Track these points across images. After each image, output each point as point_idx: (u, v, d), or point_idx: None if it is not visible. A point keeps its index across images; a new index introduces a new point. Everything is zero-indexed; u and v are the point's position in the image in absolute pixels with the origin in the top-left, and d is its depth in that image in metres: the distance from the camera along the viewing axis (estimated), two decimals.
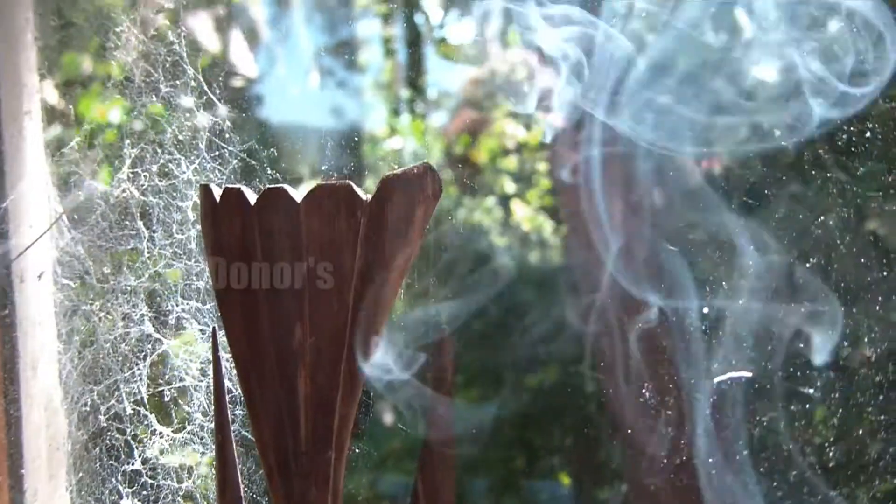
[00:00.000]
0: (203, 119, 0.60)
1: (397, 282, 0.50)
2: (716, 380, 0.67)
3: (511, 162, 1.95)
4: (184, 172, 0.61)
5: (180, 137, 0.61)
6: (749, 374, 0.68)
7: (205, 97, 0.61)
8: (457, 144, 1.88)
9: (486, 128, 1.93)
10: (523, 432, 1.53)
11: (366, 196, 0.47)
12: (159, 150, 0.61)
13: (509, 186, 1.93)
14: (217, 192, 0.48)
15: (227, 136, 0.60)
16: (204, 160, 0.61)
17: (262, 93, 1.13)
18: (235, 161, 0.61)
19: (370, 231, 0.49)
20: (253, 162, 0.60)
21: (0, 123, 0.62)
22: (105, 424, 0.63)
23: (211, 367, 0.62)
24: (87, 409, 0.64)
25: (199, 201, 0.49)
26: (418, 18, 2.50)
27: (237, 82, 0.78)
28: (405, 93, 2.36)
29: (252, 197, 0.48)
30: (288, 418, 0.49)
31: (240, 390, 0.62)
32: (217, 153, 0.61)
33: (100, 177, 0.62)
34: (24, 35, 0.65)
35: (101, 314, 0.63)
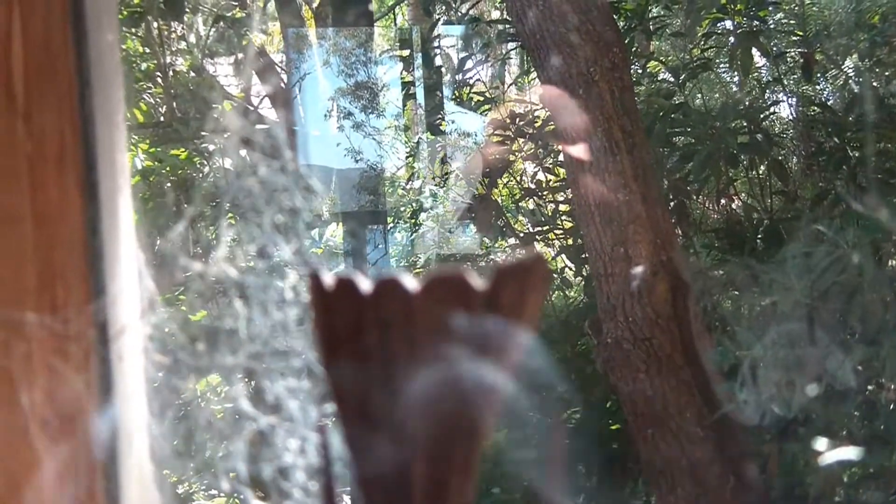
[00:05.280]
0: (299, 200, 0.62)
1: (511, 370, 0.52)
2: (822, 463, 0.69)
3: (530, 202, 1.98)
4: (282, 253, 0.62)
5: (278, 219, 0.62)
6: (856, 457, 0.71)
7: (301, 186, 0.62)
8: (476, 185, 1.91)
9: (505, 168, 1.95)
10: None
11: (480, 286, 0.48)
12: (257, 232, 0.62)
13: (529, 226, 1.95)
14: (327, 281, 0.49)
15: (325, 217, 0.61)
16: (303, 241, 0.62)
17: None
18: (339, 244, 0.62)
19: (485, 320, 0.50)
20: (359, 246, 0.61)
21: (99, 205, 0.63)
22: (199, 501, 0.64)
23: (312, 446, 0.63)
24: (182, 485, 0.64)
25: (308, 289, 0.50)
26: (438, 61, 2.52)
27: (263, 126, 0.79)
28: (425, 135, 2.38)
29: (364, 286, 0.49)
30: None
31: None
32: (316, 233, 0.62)
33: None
34: (117, 115, 0.65)
35: (197, 390, 0.64)
